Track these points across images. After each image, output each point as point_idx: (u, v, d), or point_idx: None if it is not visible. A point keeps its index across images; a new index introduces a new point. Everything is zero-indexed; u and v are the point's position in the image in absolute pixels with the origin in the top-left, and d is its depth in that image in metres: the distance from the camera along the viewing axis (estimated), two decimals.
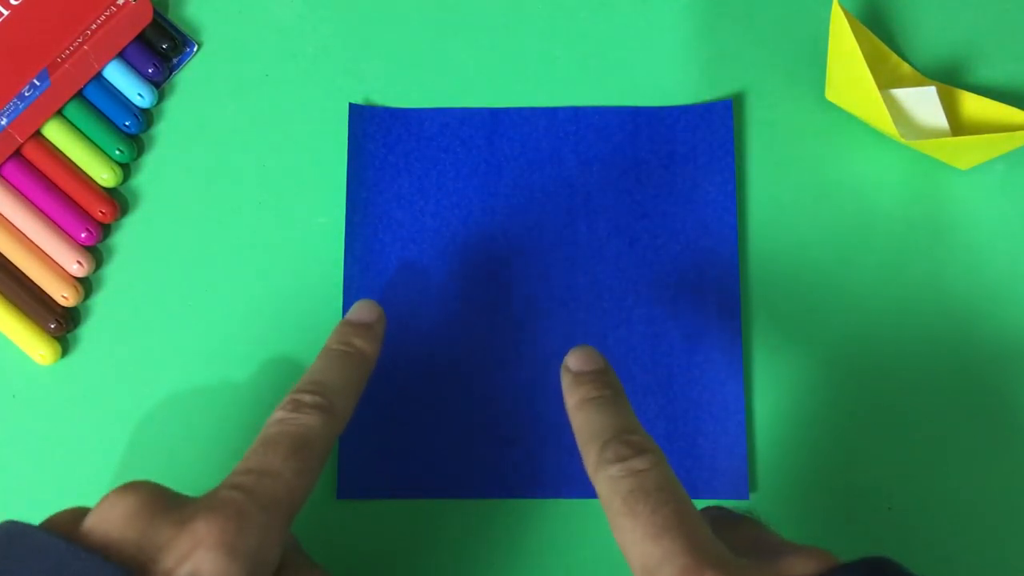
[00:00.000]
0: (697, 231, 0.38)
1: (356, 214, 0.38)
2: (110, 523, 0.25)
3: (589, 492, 0.36)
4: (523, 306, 0.38)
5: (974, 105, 0.39)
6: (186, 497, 0.27)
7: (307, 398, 0.30)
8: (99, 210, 0.38)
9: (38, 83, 0.38)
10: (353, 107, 0.39)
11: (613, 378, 0.30)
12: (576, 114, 0.39)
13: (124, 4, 0.39)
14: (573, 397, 0.30)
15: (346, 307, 0.38)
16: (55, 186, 0.39)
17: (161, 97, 0.40)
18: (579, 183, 0.39)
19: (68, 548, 0.24)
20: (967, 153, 0.38)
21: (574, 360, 0.31)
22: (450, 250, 0.38)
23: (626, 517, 0.26)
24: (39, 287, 0.38)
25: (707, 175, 0.38)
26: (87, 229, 0.38)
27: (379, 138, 0.39)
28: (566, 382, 0.30)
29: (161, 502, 0.26)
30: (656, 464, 0.27)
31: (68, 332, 0.38)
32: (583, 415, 0.29)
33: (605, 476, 0.27)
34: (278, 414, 0.29)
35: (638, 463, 0.27)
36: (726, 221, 0.38)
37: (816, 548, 0.25)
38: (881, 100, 0.36)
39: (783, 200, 0.39)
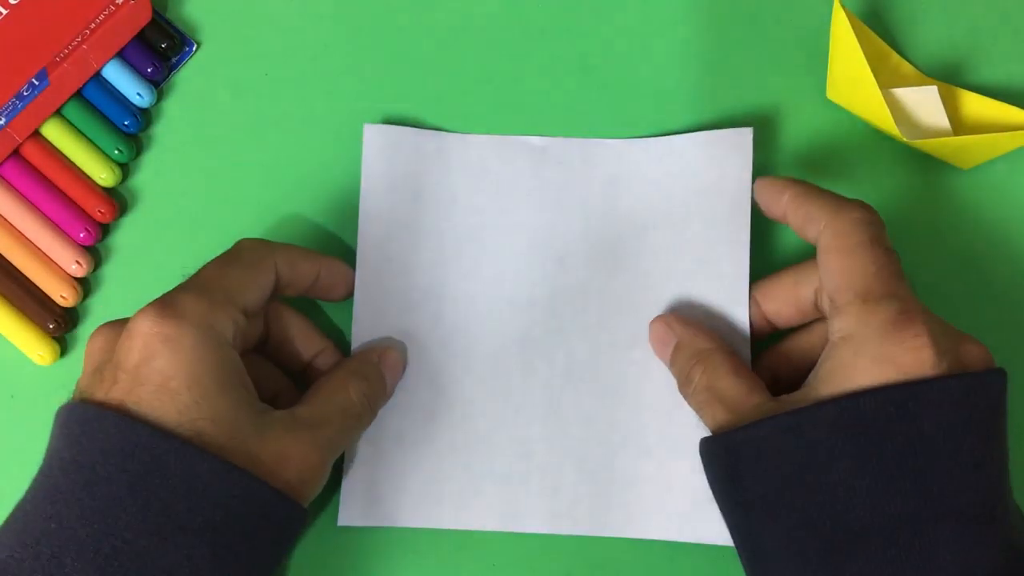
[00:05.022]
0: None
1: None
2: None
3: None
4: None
5: (976, 105, 0.39)
6: None
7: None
8: (98, 210, 0.38)
9: (37, 83, 0.38)
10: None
11: None
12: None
13: (123, 3, 0.39)
14: None
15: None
16: (54, 186, 0.38)
17: (160, 97, 0.40)
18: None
19: None
20: (969, 153, 0.38)
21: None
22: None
23: (847, 255, 0.31)
24: (38, 287, 0.38)
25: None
26: (86, 229, 0.38)
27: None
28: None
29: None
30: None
31: (67, 332, 0.38)
32: None
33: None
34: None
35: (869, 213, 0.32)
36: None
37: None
38: (883, 99, 0.36)
39: None
